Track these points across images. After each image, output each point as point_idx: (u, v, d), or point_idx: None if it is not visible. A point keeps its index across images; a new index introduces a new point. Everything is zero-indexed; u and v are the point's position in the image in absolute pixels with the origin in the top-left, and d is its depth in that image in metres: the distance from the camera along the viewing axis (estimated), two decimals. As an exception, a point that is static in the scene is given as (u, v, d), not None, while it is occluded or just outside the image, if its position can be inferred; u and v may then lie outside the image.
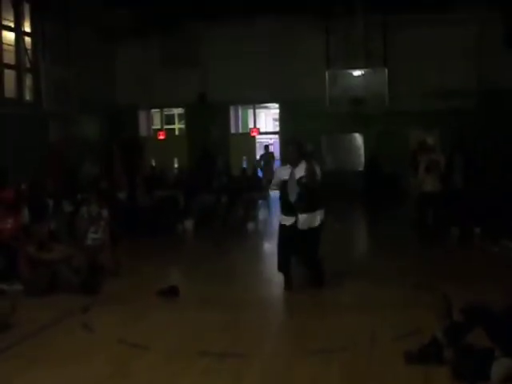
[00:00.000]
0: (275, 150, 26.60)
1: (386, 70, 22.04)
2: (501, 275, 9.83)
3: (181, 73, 23.82)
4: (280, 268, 9.66)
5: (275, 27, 22.79)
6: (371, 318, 7.90)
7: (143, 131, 26.35)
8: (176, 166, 24.11)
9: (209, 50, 23.69)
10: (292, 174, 9.35)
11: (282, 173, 9.62)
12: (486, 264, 11.22)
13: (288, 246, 9.51)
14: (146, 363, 6.45)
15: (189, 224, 16.72)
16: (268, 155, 23.58)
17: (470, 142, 16.63)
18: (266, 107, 27.69)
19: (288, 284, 9.61)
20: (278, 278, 9.85)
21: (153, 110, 26.75)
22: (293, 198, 9.32)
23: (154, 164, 23.61)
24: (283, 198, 9.49)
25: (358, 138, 23.89)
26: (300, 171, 9.29)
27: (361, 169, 23.34)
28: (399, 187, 20.00)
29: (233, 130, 25.78)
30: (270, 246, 15.17)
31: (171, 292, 9.33)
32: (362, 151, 23.68)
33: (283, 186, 9.44)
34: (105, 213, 11.43)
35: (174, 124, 27.99)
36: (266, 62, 23.05)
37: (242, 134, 26.31)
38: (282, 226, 9.62)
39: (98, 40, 22.40)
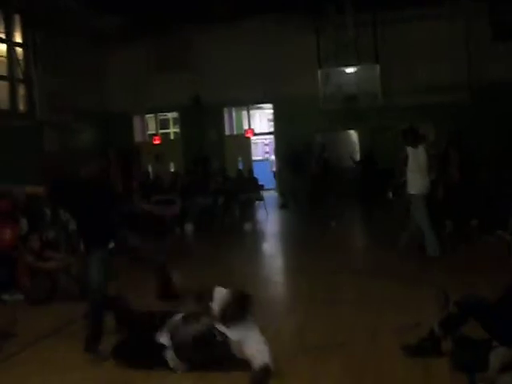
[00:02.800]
0: (270, 150, 26.68)
1: (378, 67, 22.11)
2: (497, 265, 9.92)
3: (173, 76, 23.87)
4: None
5: (266, 28, 22.84)
6: (370, 313, 7.97)
7: (138, 137, 26.40)
8: (172, 170, 24.15)
9: (201, 53, 23.73)
10: None
11: None
12: (483, 254, 11.31)
13: None
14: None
15: (188, 227, 16.82)
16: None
17: (464, 136, 16.64)
18: (260, 108, 27.74)
19: None
20: (276, 277, 9.89)
21: (147, 115, 26.79)
22: None
23: (150, 169, 23.67)
24: None
25: (353, 135, 23.96)
26: None
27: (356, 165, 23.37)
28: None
29: (227, 132, 25.83)
30: (268, 246, 15.31)
31: (171, 294, 9.36)
32: (357, 148, 23.73)
33: None
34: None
35: (168, 128, 28.04)
36: (258, 62, 23.08)
37: (236, 135, 26.38)
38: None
39: (89, 47, 22.46)
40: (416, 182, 11.40)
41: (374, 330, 7.29)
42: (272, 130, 26.03)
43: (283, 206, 21.62)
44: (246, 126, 26.69)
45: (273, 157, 26.56)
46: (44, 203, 14.15)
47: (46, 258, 10.15)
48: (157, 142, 26.11)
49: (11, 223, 11.24)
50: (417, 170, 11.39)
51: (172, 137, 27.54)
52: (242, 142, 25.72)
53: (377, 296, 8.93)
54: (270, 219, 19.41)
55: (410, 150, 11.56)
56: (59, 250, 11.02)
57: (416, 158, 11.46)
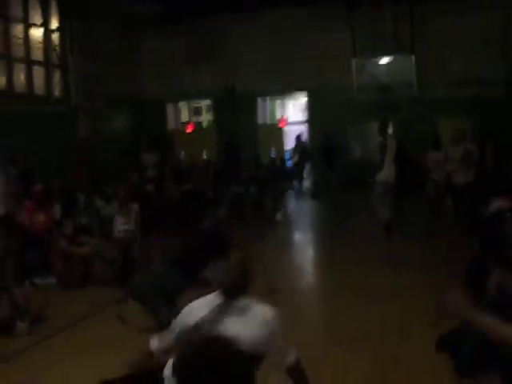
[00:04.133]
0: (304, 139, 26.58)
1: (413, 58, 21.90)
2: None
3: (207, 65, 23.84)
4: None
5: (302, 17, 22.73)
6: (401, 304, 7.94)
7: (171, 124, 26.44)
8: (204, 158, 24.17)
9: (235, 42, 23.66)
10: None
11: None
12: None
13: None
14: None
15: (220, 215, 16.81)
16: (300, 145, 23.53)
17: (498, 130, 16.50)
18: (293, 97, 27.62)
19: None
20: (307, 267, 9.86)
21: (180, 103, 26.81)
22: None
23: (182, 157, 23.72)
24: None
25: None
26: None
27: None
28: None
29: (260, 121, 25.78)
30: (299, 236, 15.30)
31: (204, 282, 9.37)
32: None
33: None
34: (135, 206, 11.53)
35: (201, 116, 28.04)
36: (292, 52, 22.96)
37: (269, 124, 26.30)
38: None
39: (124, 34, 22.50)
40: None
41: (405, 321, 7.26)
42: (305, 119, 25.93)
43: (314, 196, 21.54)
44: (279, 116, 26.62)
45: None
46: (78, 189, 14.30)
47: (80, 243, 10.24)
48: (189, 129, 26.12)
49: (45, 208, 11.36)
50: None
51: (205, 125, 27.56)
52: (275, 132, 25.65)
53: (408, 287, 8.89)
54: (301, 209, 19.38)
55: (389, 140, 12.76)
56: (92, 236, 11.07)
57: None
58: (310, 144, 23.91)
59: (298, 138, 23.77)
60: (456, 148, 13.49)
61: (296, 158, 23.28)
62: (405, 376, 5.92)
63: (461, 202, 13.43)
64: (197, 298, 4.43)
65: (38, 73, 18.88)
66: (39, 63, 18.94)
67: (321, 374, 5.90)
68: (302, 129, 25.39)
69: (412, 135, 20.82)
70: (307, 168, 24.26)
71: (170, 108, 26.33)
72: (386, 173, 12.88)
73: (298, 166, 23.41)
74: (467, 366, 5.29)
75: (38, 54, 18.89)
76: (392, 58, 22.19)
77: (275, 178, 19.25)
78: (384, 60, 22.40)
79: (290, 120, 26.81)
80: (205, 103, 27.00)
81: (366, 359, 6.19)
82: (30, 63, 18.39)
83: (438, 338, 6.28)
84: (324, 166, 21.80)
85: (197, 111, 27.66)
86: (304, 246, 14.18)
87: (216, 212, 16.60)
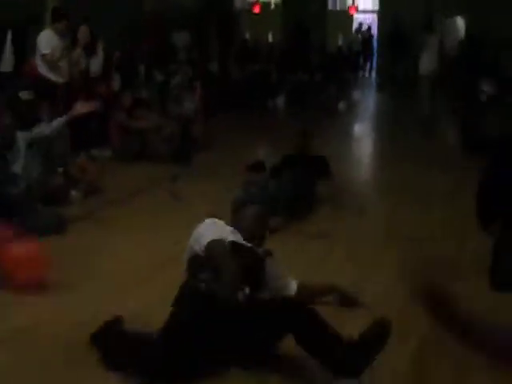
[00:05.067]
0: (374, 29, 25.67)
1: None
2: None
3: None
4: None
5: None
6: (463, 209, 7.59)
7: (238, 3, 25.74)
8: (270, 40, 23.59)
9: None
10: None
11: None
12: None
13: None
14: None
15: (280, 101, 16.43)
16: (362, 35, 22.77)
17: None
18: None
19: None
20: (366, 161, 9.54)
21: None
22: None
23: (247, 37, 23.16)
24: None
25: (459, 21, 22.64)
26: None
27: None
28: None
29: (330, 7, 24.96)
30: (359, 128, 14.89)
31: (259, 167, 9.12)
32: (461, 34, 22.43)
33: None
34: (197, 83, 11.26)
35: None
36: None
37: (339, 11, 25.48)
38: None
39: None
40: None
41: (464, 226, 6.92)
42: (376, 8, 24.98)
43: (380, 88, 20.96)
44: (350, 2, 25.73)
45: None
46: (139, 61, 14.02)
47: (137, 116, 10.03)
48: (257, 10, 25.42)
49: (106, 79, 11.16)
50: None
51: (273, 6, 26.76)
52: (345, 18, 24.85)
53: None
54: (366, 100, 18.89)
55: None
56: (151, 110, 10.83)
57: None
58: (380, 35, 23.10)
59: (360, 26, 23.01)
60: None
61: (357, 48, 22.56)
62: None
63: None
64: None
65: None
66: None
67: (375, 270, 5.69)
68: (372, 17, 24.59)
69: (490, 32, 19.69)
70: (373, 59, 23.60)
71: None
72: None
73: (360, 57, 22.76)
74: None
75: None
76: None
77: (341, 66, 18.70)
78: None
79: (360, 8, 25.92)
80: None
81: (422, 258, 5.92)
82: None
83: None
84: (390, 57, 21.03)
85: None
86: (363, 137, 13.78)
87: (275, 99, 16.34)
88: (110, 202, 7.52)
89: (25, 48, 11.69)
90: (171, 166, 9.16)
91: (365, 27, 24.12)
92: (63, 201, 7.25)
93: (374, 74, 23.98)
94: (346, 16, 25.00)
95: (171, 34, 18.12)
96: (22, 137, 6.77)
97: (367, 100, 19.26)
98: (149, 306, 4.62)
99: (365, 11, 26.62)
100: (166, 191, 7.91)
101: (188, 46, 16.59)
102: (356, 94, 19.29)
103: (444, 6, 21.04)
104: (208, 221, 4.33)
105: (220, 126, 12.77)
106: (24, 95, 8.94)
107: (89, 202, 7.47)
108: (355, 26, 25.99)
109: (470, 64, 19.06)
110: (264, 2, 26.26)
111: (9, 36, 11.75)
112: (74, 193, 7.46)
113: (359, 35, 23.38)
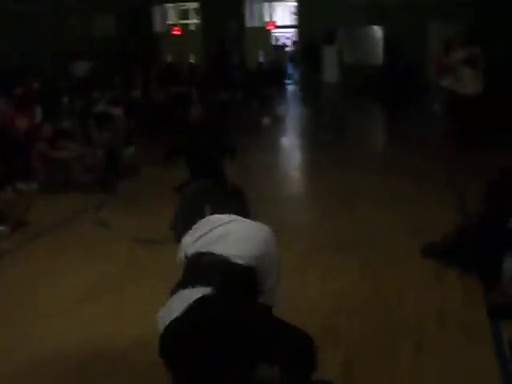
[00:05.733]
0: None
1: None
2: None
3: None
4: None
5: None
6: (386, 211, 7.90)
7: (158, 27, 25.88)
8: (191, 61, 23.75)
9: None
10: None
11: None
12: None
13: None
14: (162, 257, 6.34)
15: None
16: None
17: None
18: (283, 0, 26.97)
19: None
20: (292, 173, 9.78)
21: (167, 5, 26.18)
22: None
23: (168, 60, 23.31)
24: None
25: (377, 31, 23.25)
26: None
27: (379, 62, 22.74)
28: (417, 81, 19.51)
29: (249, 24, 25.22)
30: (285, 141, 15.14)
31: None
32: (380, 44, 23.05)
33: None
34: (118, 110, 11.33)
35: (189, 19, 27.42)
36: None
37: (258, 27, 25.74)
38: None
39: None
40: None
41: (390, 228, 7.23)
42: (294, 23, 25.36)
43: (303, 100, 21.32)
44: (267, 19, 26.03)
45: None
46: (62, 91, 14.01)
47: (59, 147, 10.06)
48: (176, 32, 25.60)
49: (27, 111, 11.13)
50: None
51: (192, 28, 26.96)
52: (264, 35, 25.14)
53: (394, 194, 8.83)
54: (289, 114, 19.17)
55: None
56: (73, 141, 10.85)
57: None
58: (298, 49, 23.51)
59: (277, 43, 23.42)
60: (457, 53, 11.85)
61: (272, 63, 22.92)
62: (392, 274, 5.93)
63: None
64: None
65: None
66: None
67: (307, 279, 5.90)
68: (291, 33, 24.96)
69: (404, 40, 20.34)
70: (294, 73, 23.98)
71: (157, 10, 25.78)
72: None
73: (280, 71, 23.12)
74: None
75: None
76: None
77: (262, 82, 18.96)
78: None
79: (278, 24, 26.26)
80: (193, 5, 26.37)
81: (353, 265, 6.16)
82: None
83: (424, 245, 6.30)
84: (309, 70, 21.43)
85: (184, 14, 27.03)
86: (289, 151, 14.03)
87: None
88: (40, 233, 7.58)
89: None
90: (96, 195, 9.24)
91: (280, 42, 24.46)
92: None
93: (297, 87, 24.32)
94: (264, 32, 25.28)
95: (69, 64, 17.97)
96: None
97: (292, 113, 19.54)
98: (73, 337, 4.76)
99: (283, 26, 26.97)
100: (92, 220, 8.02)
101: (87, 75, 16.52)
102: (280, 109, 19.51)
103: (353, 18, 21.63)
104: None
105: (144, 150, 12.83)
106: None
107: (20, 235, 7.52)
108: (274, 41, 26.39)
109: (391, 70, 19.66)
110: (183, 24, 26.47)
111: None
112: (1, 228, 7.49)
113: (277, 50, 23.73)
